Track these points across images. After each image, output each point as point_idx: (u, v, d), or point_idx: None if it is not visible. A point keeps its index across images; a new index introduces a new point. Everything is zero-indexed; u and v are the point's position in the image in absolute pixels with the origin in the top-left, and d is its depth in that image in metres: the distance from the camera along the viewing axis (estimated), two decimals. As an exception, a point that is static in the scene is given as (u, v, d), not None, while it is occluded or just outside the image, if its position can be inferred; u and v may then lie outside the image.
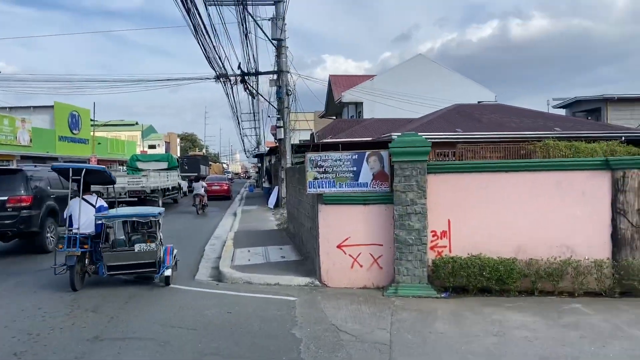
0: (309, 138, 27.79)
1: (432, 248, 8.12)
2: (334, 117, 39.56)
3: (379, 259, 8.27)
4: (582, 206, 7.76)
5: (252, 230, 15.21)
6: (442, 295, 7.68)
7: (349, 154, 8.59)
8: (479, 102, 28.76)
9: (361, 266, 8.32)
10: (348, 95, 33.04)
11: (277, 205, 21.49)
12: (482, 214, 8.02)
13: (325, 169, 8.57)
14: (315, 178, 8.61)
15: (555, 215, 7.83)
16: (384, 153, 8.48)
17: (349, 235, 8.33)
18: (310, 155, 8.76)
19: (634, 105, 30.29)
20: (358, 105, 33.86)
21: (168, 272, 8.64)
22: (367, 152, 8.61)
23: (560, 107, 33.85)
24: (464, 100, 27.17)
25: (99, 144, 42.45)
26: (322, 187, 8.55)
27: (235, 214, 20.52)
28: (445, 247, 8.13)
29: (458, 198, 8.11)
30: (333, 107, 37.74)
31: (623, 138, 19.57)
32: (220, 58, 19.32)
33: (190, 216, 21.15)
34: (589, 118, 29.74)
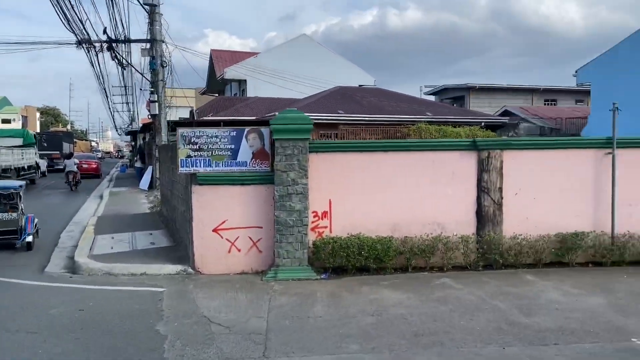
0: (188, 115, 26.21)
1: (313, 229, 7.93)
2: (216, 95, 37.95)
3: (259, 242, 7.85)
4: (452, 185, 8.11)
5: (120, 214, 13.80)
6: (322, 277, 7.53)
7: (226, 130, 7.97)
8: (360, 85, 29.56)
9: (239, 250, 7.83)
10: (231, 72, 31.80)
11: (151, 186, 19.91)
12: (362, 194, 8.00)
13: (199, 146, 7.86)
14: (189, 156, 7.86)
15: (428, 194, 8.08)
16: (264, 130, 8.01)
17: (226, 218, 7.77)
18: (182, 131, 7.97)
19: (492, 94, 33.63)
20: (242, 82, 32.80)
21: (29, 238, 9.46)
22: (247, 129, 8.07)
23: (431, 94, 36.35)
24: (345, 82, 27.68)
25: None
26: (197, 166, 7.83)
27: (101, 197, 18.57)
28: (326, 227, 7.98)
29: (339, 178, 7.99)
30: (215, 83, 36.11)
31: (483, 123, 21.49)
32: (81, 20, 17.06)
33: (47, 198, 18.69)
34: (455, 104, 32.34)
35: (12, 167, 21.60)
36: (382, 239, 7.69)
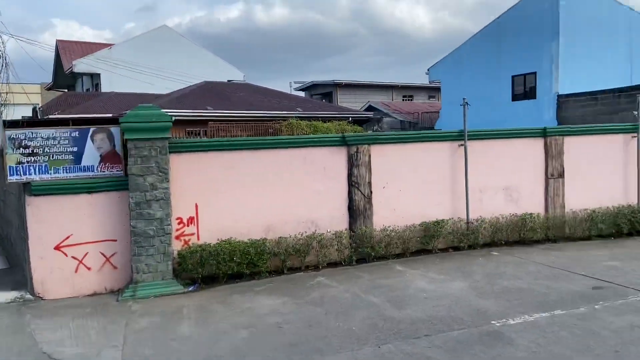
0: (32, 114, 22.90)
1: (177, 237, 7.23)
2: (66, 90, 33.96)
3: (113, 257, 6.91)
4: (325, 181, 8.02)
5: (-61, 234, 11.39)
6: (190, 289, 6.89)
7: (66, 130, 6.86)
8: (229, 80, 28.72)
9: (89, 269, 6.81)
10: (82, 65, 28.62)
11: (-17, 197, 16.94)
12: (232, 195, 7.51)
13: (33, 150, 6.65)
14: (20, 162, 6.61)
15: (301, 192, 7.89)
16: (114, 130, 7.08)
17: (71, 233, 6.69)
18: (10, 133, 6.69)
19: (357, 90, 35.21)
20: (95, 76, 29.74)
21: None
22: (92, 129, 7.06)
23: (300, 90, 36.86)
24: (213, 77, 26.64)
25: None
26: (30, 174, 6.62)
27: None
28: (193, 234, 7.34)
29: (206, 179, 7.40)
30: (64, 78, 32.23)
31: (350, 118, 22.26)
32: None
33: None
34: (324, 100, 33.20)
35: None
36: (255, 242, 7.30)
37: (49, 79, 34.91)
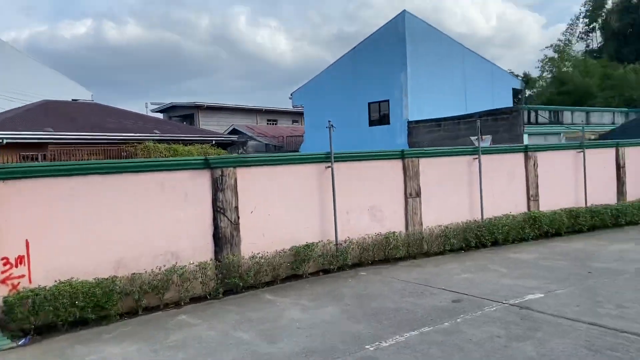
0: None
1: (3, 281, 5.99)
2: None
3: None
4: (186, 208, 7.36)
5: None
6: (20, 343, 5.66)
7: None
8: (73, 100, 25.91)
9: None
10: None
11: None
12: (74, 228, 6.46)
13: None
14: None
15: (159, 221, 7.12)
16: None
17: None
18: None
19: (221, 113, 34.54)
20: None
21: None
22: None
23: (158, 111, 34.90)
24: (56, 96, 23.85)
25: None
26: None
27: None
28: (23, 276, 6.11)
29: (40, 210, 6.26)
30: None
31: (214, 141, 21.58)
32: None
33: None
34: (185, 122, 31.81)
35: None
36: (102, 281, 6.31)
37: None
